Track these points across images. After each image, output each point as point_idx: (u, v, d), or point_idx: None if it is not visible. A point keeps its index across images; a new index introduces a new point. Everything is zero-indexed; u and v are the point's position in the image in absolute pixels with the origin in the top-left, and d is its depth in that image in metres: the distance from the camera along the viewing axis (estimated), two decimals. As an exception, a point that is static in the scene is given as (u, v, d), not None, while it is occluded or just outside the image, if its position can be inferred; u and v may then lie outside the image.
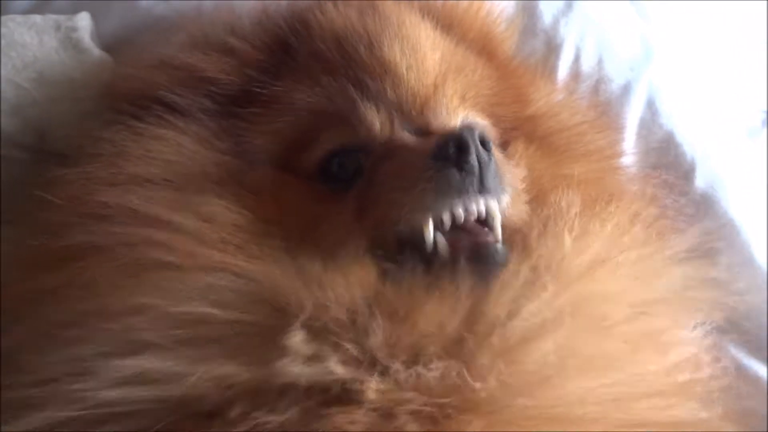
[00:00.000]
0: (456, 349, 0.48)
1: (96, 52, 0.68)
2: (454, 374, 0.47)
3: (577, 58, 0.84)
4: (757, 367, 0.78)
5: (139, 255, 0.51)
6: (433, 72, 0.61)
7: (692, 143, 0.84)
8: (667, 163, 0.83)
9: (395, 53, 0.60)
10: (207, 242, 0.52)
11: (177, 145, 0.59)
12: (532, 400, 0.48)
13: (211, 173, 0.57)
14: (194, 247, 0.52)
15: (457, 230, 0.52)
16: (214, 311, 0.48)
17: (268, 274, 0.50)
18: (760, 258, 0.81)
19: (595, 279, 0.54)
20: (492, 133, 0.63)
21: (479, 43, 0.69)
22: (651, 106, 0.85)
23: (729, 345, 0.77)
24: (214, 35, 0.67)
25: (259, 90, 0.61)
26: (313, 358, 0.46)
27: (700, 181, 0.83)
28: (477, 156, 0.51)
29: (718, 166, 0.84)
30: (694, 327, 0.62)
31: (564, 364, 0.49)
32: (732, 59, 1.16)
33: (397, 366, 0.47)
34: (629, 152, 0.83)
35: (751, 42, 1.24)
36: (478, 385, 0.47)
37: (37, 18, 0.69)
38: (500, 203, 0.54)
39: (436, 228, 0.52)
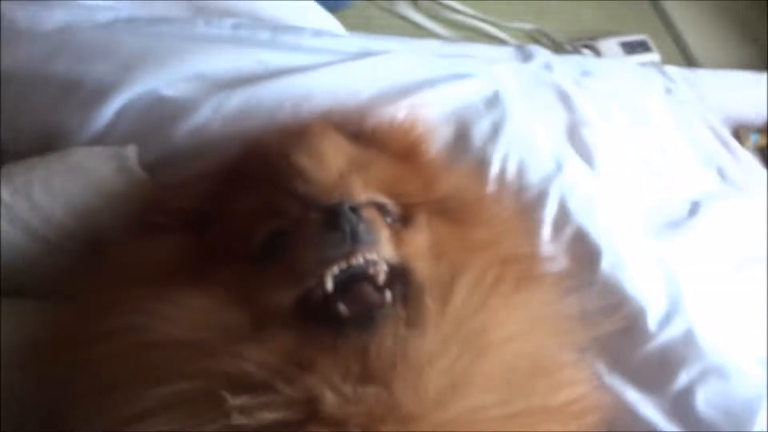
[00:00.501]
0: (373, 379, 0.62)
1: (141, 175, 0.91)
2: (383, 395, 0.60)
3: (502, 171, 1.06)
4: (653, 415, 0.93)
5: (134, 338, 0.66)
6: (336, 168, 0.77)
7: (599, 234, 1.03)
8: (578, 250, 1.02)
9: (303, 158, 0.78)
10: (180, 323, 0.66)
11: (162, 254, 0.78)
12: (443, 415, 0.61)
13: (183, 272, 0.75)
14: (167, 327, 0.66)
15: (354, 291, 0.68)
16: (184, 385, 0.62)
17: (213, 347, 0.64)
18: (652, 327, 0.97)
19: (476, 317, 0.68)
20: (393, 208, 0.81)
21: (396, 150, 0.89)
22: (562, 206, 1.05)
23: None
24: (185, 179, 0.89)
25: (215, 208, 0.82)
26: (251, 412, 0.60)
27: (605, 265, 1.00)
28: (347, 219, 0.68)
29: (621, 252, 1.02)
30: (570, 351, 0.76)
31: (454, 386, 0.62)
32: (659, 158, 1.38)
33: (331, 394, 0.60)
34: (547, 243, 1.04)
35: (677, 143, 1.45)
36: (403, 400, 0.60)
37: (99, 149, 0.91)
38: (376, 251, 0.70)
39: (335, 287, 0.68)
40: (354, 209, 0.71)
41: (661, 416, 0.94)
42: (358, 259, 0.69)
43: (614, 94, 1.44)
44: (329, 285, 0.69)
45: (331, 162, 0.80)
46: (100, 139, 0.99)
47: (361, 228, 0.70)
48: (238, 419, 0.60)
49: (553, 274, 0.91)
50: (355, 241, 0.69)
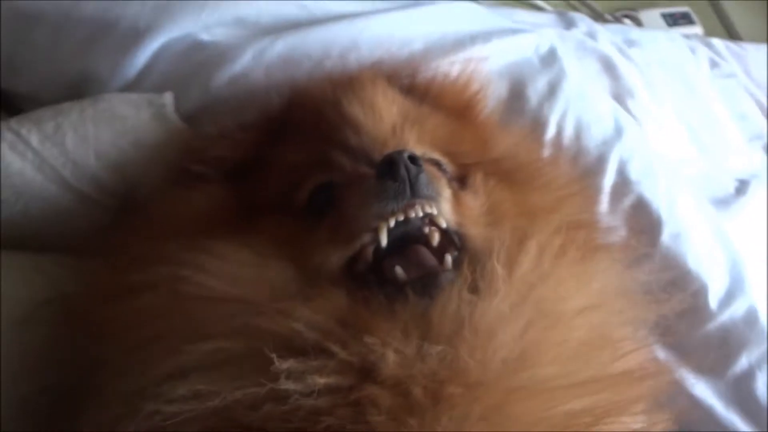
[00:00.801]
0: (437, 342, 0.58)
1: (179, 123, 0.86)
2: (448, 358, 0.56)
3: (558, 133, 1.00)
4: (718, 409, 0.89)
5: (175, 290, 0.63)
6: (389, 121, 0.74)
7: (659, 203, 0.97)
8: (637, 221, 0.96)
9: (355, 108, 0.74)
10: (222, 277, 0.63)
11: (202, 205, 0.74)
12: (508, 383, 0.58)
13: (225, 224, 0.71)
14: (210, 281, 0.63)
15: (409, 253, 0.64)
16: (227, 344, 0.58)
17: (259, 304, 0.60)
18: (713, 306, 0.93)
19: (545, 284, 0.64)
20: (448, 167, 0.76)
21: (450, 107, 0.84)
22: (622, 173, 0.99)
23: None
24: (226, 128, 0.84)
25: (258, 158, 0.78)
26: (300, 376, 0.55)
27: (665, 237, 0.95)
28: (407, 169, 0.63)
29: (682, 224, 0.97)
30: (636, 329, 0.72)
31: (522, 354, 0.59)
32: (705, 133, 1.32)
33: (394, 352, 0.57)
34: (605, 213, 0.98)
35: (724, 118, 1.39)
36: (470, 364, 0.57)
37: (133, 96, 0.87)
38: (437, 208, 0.65)
39: (392, 234, 0.63)
40: (413, 159, 0.65)
41: (718, 400, 0.90)
42: (417, 212, 0.65)
43: (660, 66, 1.37)
44: (384, 240, 0.64)
45: (384, 114, 0.75)
46: (133, 87, 0.93)
47: (422, 179, 0.65)
48: (285, 384, 0.55)
49: (615, 245, 0.85)
50: (414, 192, 0.64)
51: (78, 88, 0.93)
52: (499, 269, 0.64)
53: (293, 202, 0.73)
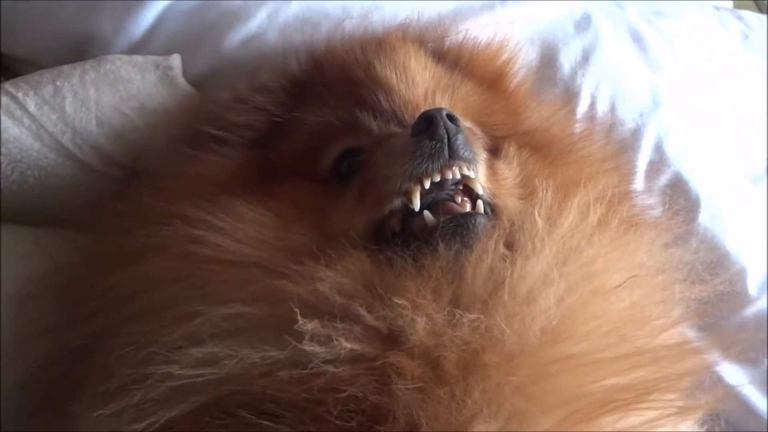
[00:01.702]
0: (470, 305, 0.53)
1: (187, 87, 0.80)
2: (482, 326, 0.52)
3: (592, 105, 0.93)
4: (755, 397, 0.85)
5: (187, 252, 0.59)
6: (422, 86, 0.71)
7: (697, 182, 0.92)
8: (674, 199, 0.88)
9: (387, 71, 0.71)
10: (239, 239, 0.60)
11: (219, 167, 0.70)
12: (545, 356, 0.53)
13: (242, 187, 0.67)
14: (227, 243, 0.60)
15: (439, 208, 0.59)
16: (246, 308, 0.55)
17: (280, 267, 0.56)
18: (752, 289, 0.88)
19: (584, 253, 0.59)
20: (481, 136, 0.71)
21: (482, 75, 0.79)
22: (659, 149, 0.93)
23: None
24: (241, 91, 0.79)
25: (278, 121, 0.73)
26: (323, 339, 0.52)
27: (703, 217, 0.90)
28: (445, 127, 0.59)
29: (720, 202, 0.92)
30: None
31: (561, 324, 0.54)
32: (736, 108, 1.24)
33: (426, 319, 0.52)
34: (640, 190, 0.94)
35: (754, 93, 1.32)
36: (507, 332, 0.52)
37: (139, 58, 0.80)
38: (473, 170, 0.61)
39: (422, 200, 0.58)
40: (452, 117, 0.60)
41: (754, 389, 0.85)
42: (455, 173, 0.60)
43: (689, 38, 1.29)
44: (417, 204, 0.59)
45: (417, 78, 0.71)
46: (139, 49, 0.86)
47: (460, 139, 0.60)
48: (309, 345, 0.51)
49: (656, 222, 0.79)
50: (452, 153, 0.59)
51: (80, 51, 0.86)
52: (541, 223, 0.59)
53: (317, 167, 0.69)
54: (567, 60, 0.96)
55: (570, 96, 0.93)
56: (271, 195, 0.66)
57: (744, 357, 0.85)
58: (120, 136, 0.77)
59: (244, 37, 0.86)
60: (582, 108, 0.93)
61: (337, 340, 0.51)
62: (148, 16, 0.85)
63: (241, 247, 0.59)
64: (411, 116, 0.65)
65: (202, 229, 0.60)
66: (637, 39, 1.15)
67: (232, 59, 0.85)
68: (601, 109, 0.94)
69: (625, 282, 0.61)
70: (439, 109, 0.60)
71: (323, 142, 0.69)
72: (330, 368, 0.50)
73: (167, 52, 0.84)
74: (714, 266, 0.88)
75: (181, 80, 0.80)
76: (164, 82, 0.78)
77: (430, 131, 0.59)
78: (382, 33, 0.80)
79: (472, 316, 0.52)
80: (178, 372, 0.52)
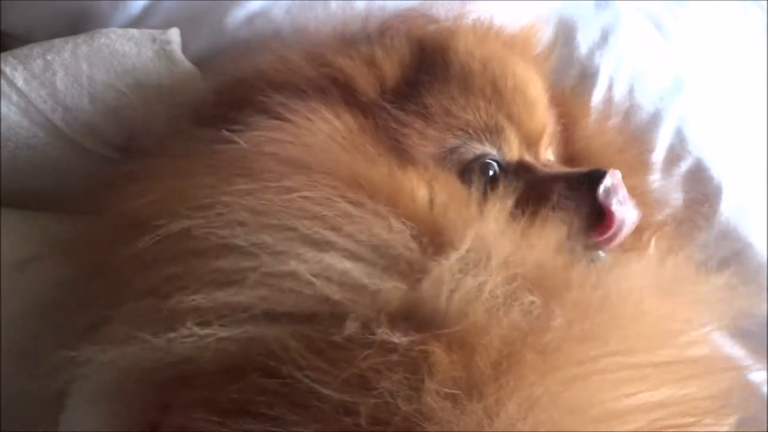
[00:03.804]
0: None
1: (186, 63, 0.74)
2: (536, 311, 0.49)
3: (610, 87, 0.87)
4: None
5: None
6: (543, 106, 0.72)
7: (719, 169, 0.86)
8: (695, 187, 0.85)
9: (534, 94, 0.70)
10: (397, 195, 0.56)
11: (333, 128, 0.63)
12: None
13: (368, 160, 0.61)
14: (384, 193, 0.55)
15: None
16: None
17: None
18: None
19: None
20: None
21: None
22: (679, 134, 0.87)
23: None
24: (358, 39, 0.73)
25: (403, 99, 0.67)
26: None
27: (725, 205, 0.84)
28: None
29: (743, 192, 0.86)
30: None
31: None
32: (759, 98, 1.19)
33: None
34: (659, 176, 0.89)
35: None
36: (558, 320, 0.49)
37: (134, 32, 0.74)
38: None
39: None
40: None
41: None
42: None
43: (711, 25, 1.23)
44: None
45: (541, 96, 0.72)
46: (137, 26, 0.79)
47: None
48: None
49: (673, 223, 0.78)
50: None
51: (77, 28, 0.80)
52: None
53: (450, 163, 0.66)
54: (585, 39, 0.89)
55: (586, 76, 0.88)
56: (407, 176, 0.61)
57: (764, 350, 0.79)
58: (114, 114, 0.71)
59: (248, 13, 0.79)
60: (599, 90, 0.87)
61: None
62: (145, -10, 0.80)
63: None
64: (534, 145, 0.70)
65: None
66: (658, 24, 1.09)
67: (235, 37, 0.79)
68: (619, 92, 0.88)
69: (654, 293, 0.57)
70: (615, 172, 0.64)
71: (462, 139, 0.67)
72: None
73: (167, 27, 0.78)
74: (736, 257, 0.84)
75: (179, 55, 0.74)
76: (161, 57, 0.72)
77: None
78: (514, 31, 0.77)
79: (530, 297, 0.49)
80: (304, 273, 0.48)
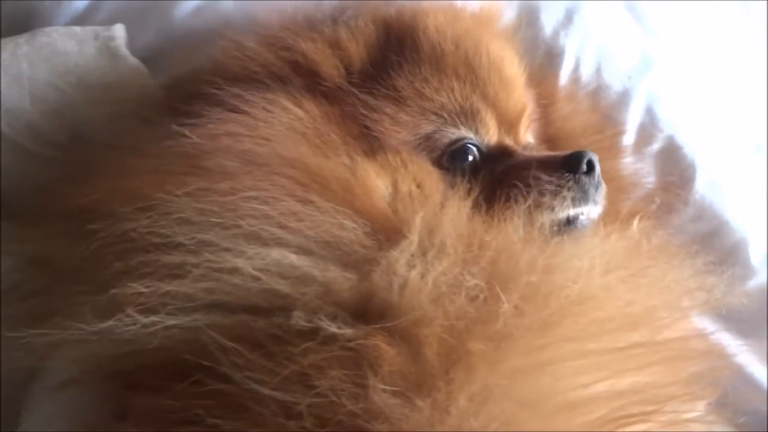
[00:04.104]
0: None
1: (131, 60, 0.71)
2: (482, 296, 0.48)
3: (576, 68, 0.85)
4: (755, 368, 0.78)
5: None
6: (521, 86, 0.70)
7: (692, 146, 0.84)
8: (668, 166, 0.84)
9: (511, 73, 0.68)
10: (353, 190, 0.55)
11: (295, 117, 0.60)
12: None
13: (334, 146, 0.60)
14: (339, 189, 0.54)
15: None
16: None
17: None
18: (755, 260, 0.81)
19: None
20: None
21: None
22: (650, 112, 0.85)
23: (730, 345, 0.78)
24: (319, 22, 0.70)
25: (371, 82, 0.65)
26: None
27: (700, 183, 0.83)
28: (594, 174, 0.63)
29: (718, 169, 0.84)
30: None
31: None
32: (736, 72, 1.16)
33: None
34: (630, 155, 0.86)
35: (759, 56, 1.24)
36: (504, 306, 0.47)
37: (77, 29, 0.72)
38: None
39: None
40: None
41: (761, 365, 0.78)
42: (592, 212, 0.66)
43: (687, 3, 1.21)
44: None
45: (519, 77, 0.71)
46: (82, 22, 0.78)
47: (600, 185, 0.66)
48: None
49: (649, 205, 0.76)
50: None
51: (20, 28, 0.78)
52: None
53: (426, 148, 0.64)
54: (549, 19, 0.87)
55: (552, 57, 0.85)
56: (378, 162, 0.60)
57: (749, 331, 0.78)
58: (57, 114, 0.69)
59: (196, 4, 0.78)
60: (566, 71, 0.85)
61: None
62: (89, -16, 0.77)
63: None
64: (515, 126, 0.69)
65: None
66: (630, 7, 1.07)
67: (185, 28, 0.77)
68: (586, 71, 0.86)
69: (627, 276, 0.56)
70: (594, 154, 0.64)
71: (437, 123, 0.65)
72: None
73: (113, 23, 0.75)
74: (712, 236, 0.82)
75: (124, 52, 0.71)
76: (104, 54, 0.70)
77: (590, 175, 0.63)
78: (478, 10, 0.74)
79: (473, 281, 0.47)
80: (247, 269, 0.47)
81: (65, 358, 0.52)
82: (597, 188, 0.64)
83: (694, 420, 0.52)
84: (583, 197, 0.63)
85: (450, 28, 0.68)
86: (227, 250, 0.49)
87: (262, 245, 0.49)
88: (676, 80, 0.90)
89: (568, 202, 0.62)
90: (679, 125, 0.86)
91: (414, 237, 0.50)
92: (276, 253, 0.48)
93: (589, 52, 0.87)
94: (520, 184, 0.61)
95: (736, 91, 1.09)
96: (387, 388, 0.43)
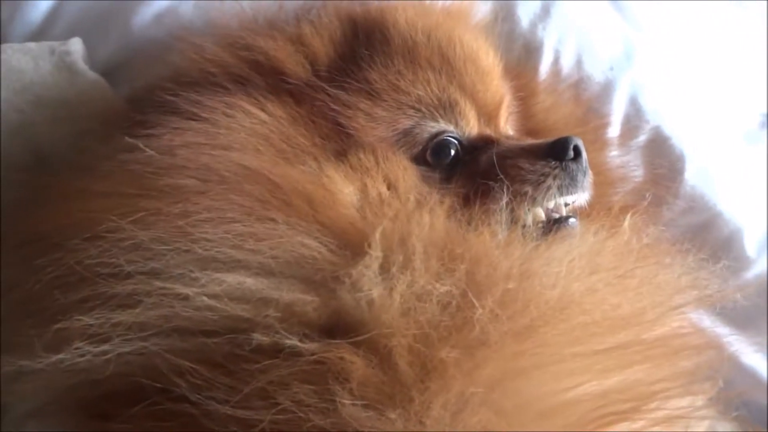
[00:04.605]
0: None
1: (89, 74, 0.68)
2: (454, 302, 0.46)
3: (556, 60, 0.83)
4: (755, 361, 0.76)
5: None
6: (499, 86, 0.68)
7: (680, 137, 0.82)
8: (656, 156, 0.82)
9: (487, 63, 0.66)
10: (317, 202, 0.52)
11: (258, 121, 0.58)
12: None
13: (302, 149, 0.57)
14: (302, 202, 0.52)
15: None
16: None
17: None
18: (750, 251, 0.79)
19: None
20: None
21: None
22: (634, 103, 0.83)
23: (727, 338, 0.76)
24: (280, 21, 0.68)
25: (341, 77, 0.62)
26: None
27: (690, 173, 0.81)
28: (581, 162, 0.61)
29: (708, 159, 0.82)
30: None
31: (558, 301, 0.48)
32: (725, 61, 1.14)
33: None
34: (617, 148, 0.84)
35: (748, 44, 1.22)
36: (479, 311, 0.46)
37: (32, 45, 0.69)
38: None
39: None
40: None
41: (761, 358, 0.76)
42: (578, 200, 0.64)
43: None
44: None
45: (495, 68, 0.69)
46: (40, 37, 0.75)
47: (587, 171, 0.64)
48: None
49: (633, 199, 0.73)
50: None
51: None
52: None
53: (405, 144, 0.62)
54: (525, 13, 0.85)
55: (530, 51, 0.83)
56: (350, 164, 0.58)
57: (747, 323, 0.77)
58: (17, 135, 0.66)
59: (155, 12, 0.75)
60: (545, 64, 0.82)
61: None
62: (45, -3, 0.74)
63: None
64: (494, 116, 0.67)
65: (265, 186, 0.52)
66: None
67: (145, 37, 0.74)
68: (567, 64, 0.83)
69: (615, 277, 0.54)
70: (580, 140, 0.62)
71: (415, 117, 0.62)
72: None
73: (72, 36, 0.73)
74: (705, 228, 0.80)
75: (81, 66, 0.68)
76: (61, 70, 0.67)
77: (577, 161, 0.62)
78: (454, 4, 0.73)
79: (444, 288, 0.45)
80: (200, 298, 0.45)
81: (25, 391, 0.50)
82: (585, 174, 0.62)
83: (688, 415, 0.50)
84: (571, 184, 0.61)
85: (420, 21, 0.66)
86: (180, 277, 0.46)
87: (218, 270, 0.46)
88: (660, 69, 0.88)
89: (554, 190, 0.61)
90: (666, 115, 0.84)
91: (377, 253, 0.47)
92: (232, 278, 0.46)
93: (569, 43, 0.84)
94: (501, 177, 0.59)
95: (721, 77, 1.07)
96: (357, 401, 0.41)
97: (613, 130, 0.83)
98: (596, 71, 0.83)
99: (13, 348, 0.48)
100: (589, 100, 0.82)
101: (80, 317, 0.45)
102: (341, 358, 0.42)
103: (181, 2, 0.75)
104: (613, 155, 0.81)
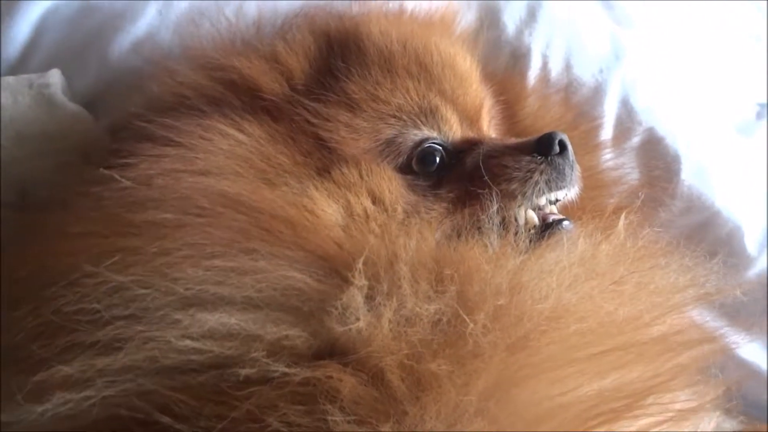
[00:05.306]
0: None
1: (69, 105, 0.67)
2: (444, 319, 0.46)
3: (544, 66, 0.82)
4: (757, 357, 0.76)
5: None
6: (479, 90, 0.68)
7: (675, 136, 0.81)
8: (651, 158, 0.81)
9: (464, 68, 0.66)
10: (299, 226, 0.51)
11: (236, 143, 0.57)
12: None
13: (284, 167, 0.57)
14: (284, 228, 0.51)
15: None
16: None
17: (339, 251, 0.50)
18: (751, 248, 0.79)
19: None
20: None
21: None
22: (626, 104, 0.82)
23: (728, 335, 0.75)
24: (254, 41, 0.67)
25: (319, 90, 0.62)
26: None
27: (686, 173, 0.80)
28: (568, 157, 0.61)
29: (704, 157, 0.81)
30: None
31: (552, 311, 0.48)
32: (715, 54, 1.13)
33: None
34: (611, 151, 0.83)
35: (738, 34, 1.21)
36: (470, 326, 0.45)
37: (10, 79, 0.68)
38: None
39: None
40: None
41: (764, 356, 0.76)
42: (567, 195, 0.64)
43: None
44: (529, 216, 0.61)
45: (474, 72, 0.69)
46: (19, 70, 0.73)
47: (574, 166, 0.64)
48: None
49: (628, 201, 0.71)
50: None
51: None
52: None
53: (389, 154, 0.62)
54: (511, 19, 0.84)
55: (518, 57, 0.82)
56: (335, 179, 0.57)
57: (751, 323, 0.75)
58: (1, 172, 0.65)
59: (133, 39, 0.74)
60: (533, 70, 0.81)
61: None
62: (23, 27, 0.73)
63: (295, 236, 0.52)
64: (475, 120, 0.66)
65: (239, 211, 0.52)
66: None
67: (123, 66, 0.73)
68: (555, 69, 0.82)
69: (613, 281, 0.53)
70: (564, 134, 0.62)
71: (397, 126, 0.62)
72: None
73: (51, 67, 0.72)
74: (704, 227, 0.79)
75: (60, 98, 0.67)
76: (41, 103, 0.66)
77: (564, 155, 0.61)
78: (430, 14, 0.73)
79: (434, 307, 0.45)
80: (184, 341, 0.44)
81: None
82: (572, 168, 0.62)
83: (687, 408, 0.50)
84: (559, 177, 0.61)
85: (395, 31, 0.66)
86: (162, 319, 0.45)
87: (202, 310, 0.45)
88: (650, 64, 0.87)
89: (542, 185, 0.60)
90: (658, 114, 0.83)
91: (361, 282, 0.47)
92: (216, 318, 0.45)
93: (557, 47, 0.83)
94: (488, 180, 0.59)
95: (711, 69, 1.06)
96: (349, 417, 0.41)
97: (606, 133, 0.82)
98: (586, 74, 0.83)
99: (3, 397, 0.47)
100: (579, 104, 0.81)
101: (61, 367, 0.44)
102: (329, 377, 0.42)
103: (160, 29, 0.74)
104: (607, 158, 0.80)
